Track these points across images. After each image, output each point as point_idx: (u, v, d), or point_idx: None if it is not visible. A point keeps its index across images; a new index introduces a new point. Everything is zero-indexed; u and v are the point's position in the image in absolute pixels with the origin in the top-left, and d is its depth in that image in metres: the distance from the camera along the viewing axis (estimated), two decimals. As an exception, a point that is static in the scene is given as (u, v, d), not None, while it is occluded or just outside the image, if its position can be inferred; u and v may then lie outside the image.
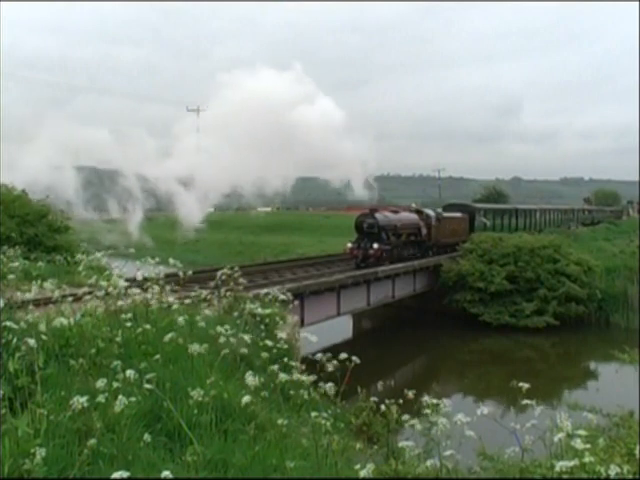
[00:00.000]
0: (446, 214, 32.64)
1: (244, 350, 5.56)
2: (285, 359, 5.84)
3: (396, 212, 27.25)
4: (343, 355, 4.48)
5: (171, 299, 6.82)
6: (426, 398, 4.08)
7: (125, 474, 2.88)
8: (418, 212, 29.49)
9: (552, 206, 62.30)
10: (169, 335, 5.23)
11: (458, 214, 34.03)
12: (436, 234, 29.80)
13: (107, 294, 6.15)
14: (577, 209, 66.90)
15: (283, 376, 4.51)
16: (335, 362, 4.58)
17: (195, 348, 4.66)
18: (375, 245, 24.07)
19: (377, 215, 24.96)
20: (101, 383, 4.08)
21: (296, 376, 4.79)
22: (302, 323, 18.42)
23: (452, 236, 31.83)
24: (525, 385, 3.95)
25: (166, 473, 3.03)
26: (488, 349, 25.91)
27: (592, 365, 24.06)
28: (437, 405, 4.12)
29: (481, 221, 36.51)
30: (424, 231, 28.61)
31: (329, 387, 4.38)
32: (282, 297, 8.48)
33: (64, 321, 5.07)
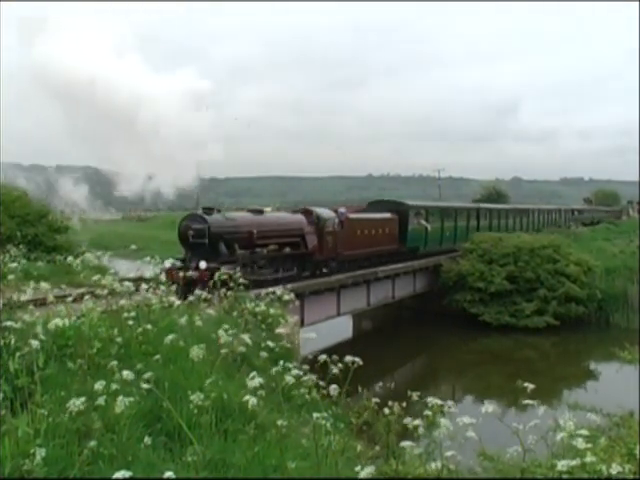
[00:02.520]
0: (357, 215, 24.43)
1: (244, 350, 5.55)
2: (285, 359, 5.83)
3: (260, 212, 18.34)
4: (349, 358, 4.46)
5: (172, 299, 6.81)
6: (429, 399, 4.07)
7: (127, 474, 2.87)
8: (305, 212, 20.42)
9: (535, 206, 54.76)
10: (170, 337, 5.23)
11: (384, 215, 25.50)
12: (337, 244, 20.88)
13: (110, 293, 6.14)
14: (566, 209, 61.09)
15: (289, 378, 4.49)
16: (340, 365, 4.56)
17: (196, 352, 4.64)
18: (202, 263, 14.15)
19: (210, 217, 15.74)
20: (99, 386, 4.06)
21: (297, 375, 4.78)
22: (302, 323, 18.40)
23: (369, 245, 23.37)
24: (530, 385, 3.95)
25: (169, 474, 3.02)
26: (488, 349, 25.89)
27: (592, 365, 24.05)
28: (440, 406, 4.12)
29: (420, 224, 27.79)
30: (312, 240, 19.48)
31: (334, 388, 4.37)
32: (286, 297, 8.47)
33: (60, 322, 5.06)
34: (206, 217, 15.58)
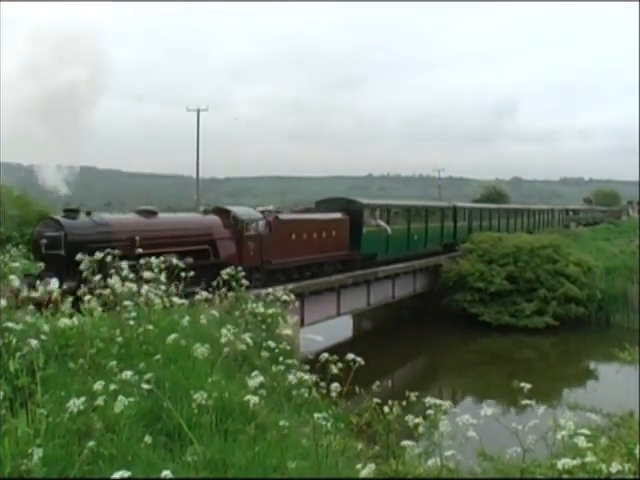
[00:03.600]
0: (290, 216, 20.79)
1: (245, 349, 5.55)
2: (286, 359, 5.84)
3: (152, 213, 14.80)
4: (350, 356, 4.46)
5: (173, 299, 6.82)
6: (429, 399, 4.07)
7: (126, 474, 2.87)
8: (220, 213, 16.88)
9: (524, 206, 50.73)
10: (172, 336, 5.23)
11: (329, 215, 21.56)
12: (263, 251, 17.14)
13: (112, 293, 6.14)
14: (560, 209, 57.38)
15: (291, 377, 4.49)
16: (340, 364, 4.56)
17: (200, 351, 4.64)
18: (53, 282, 7.04)
19: (69, 222, 12.60)
20: (98, 386, 4.06)
21: (298, 375, 4.79)
22: (302, 323, 18.42)
23: (308, 252, 19.27)
24: (527, 385, 3.95)
25: (166, 473, 3.02)
26: (488, 349, 25.90)
27: (592, 365, 24.06)
28: (440, 406, 4.12)
29: (378, 226, 23.77)
30: (226, 247, 15.89)
31: (335, 387, 4.37)
32: (285, 298, 8.47)
33: (67, 322, 5.07)
34: (63, 222, 12.37)
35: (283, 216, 19.61)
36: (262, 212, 18.64)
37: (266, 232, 17.42)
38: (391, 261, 25.44)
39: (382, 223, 23.96)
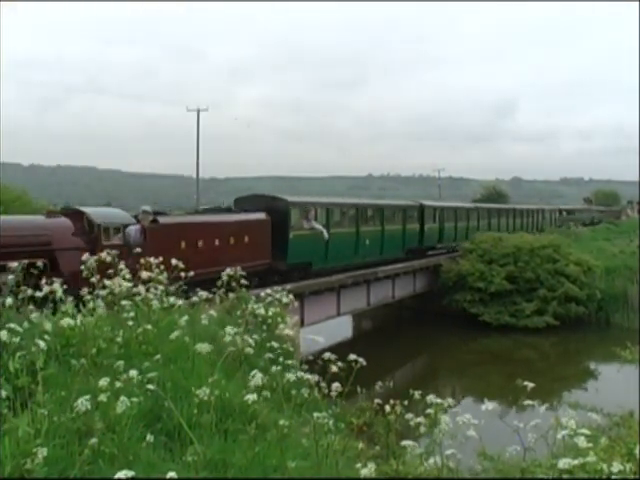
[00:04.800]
0: (178, 219, 16.09)
1: (247, 350, 5.56)
2: (286, 359, 5.84)
3: None
4: (352, 356, 4.46)
5: (173, 299, 6.81)
6: (431, 397, 4.08)
7: (130, 473, 2.88)
8: (71, 215, 13.24)
9: (506, 205, 47.02)
10: (175, 333, 5.24)
11: (243, 216, 17.28)
12: (131, 265, 7.55)
13: (110, 293, 6.15)
14: (552, 209, 54.27)
15: (290, 376, 4.50)
16: (340, 364, 4.56)
17: (204, 347, 4.65)
18: None
19: None
20: (104, 382, 4.08)
21: (299, 375, 4.79)
22: (302, 323, 18.43)
23: (209, 263, 13.23)
24: (530, 384, 3.96)
25: (172, 474, 3.03)
26: (488, 349, 25.92)
27: (592, 365, 24.07)
28: (440, 404, 4.12)
29: (313, 229, 19.52)
30: (72, 261, 10.32)
31: (336, 386, 4.37)
32: (285, 300, 8.46)
33: (70, 321, 5.08)
34: None
35: (166, 219, 14.83)
36: (138, 215, 14.16)
37: (139, 241, 12.78)
38: (335, 271, 20.70)
39: (317, 225, 19.29)
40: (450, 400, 4.09)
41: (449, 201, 41.26)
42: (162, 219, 14.60)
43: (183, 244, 14.24)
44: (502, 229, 36.63)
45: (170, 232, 14.24)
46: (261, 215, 17.61)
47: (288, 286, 13.77)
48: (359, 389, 4.97)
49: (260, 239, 17.04)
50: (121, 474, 2.87)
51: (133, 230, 13.27)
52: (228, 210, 18.07)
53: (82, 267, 6.31)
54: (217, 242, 15.08)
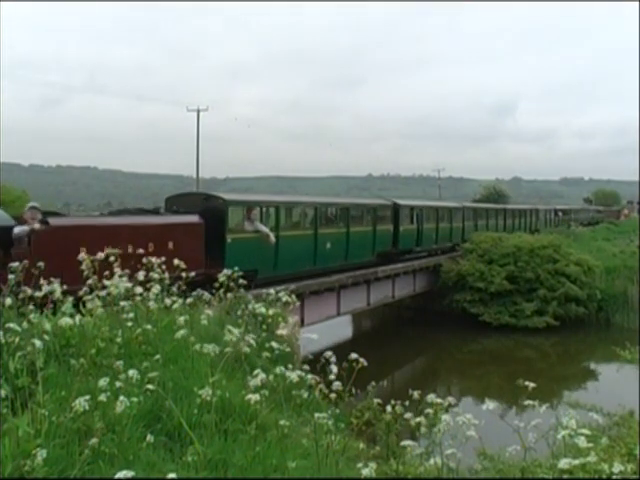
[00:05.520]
0: (78, 221, 13.57)
1: (247, 350, 5.56)
2: (286, 359, 5.84)
3: None
4: (354, 356, 4.46)
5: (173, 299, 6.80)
6: (431, 396, 4.08)
7: (130, 474, 2.88)
8: None
9: (495, 205, 43.58)
10: (180, 332, 5.24)
11: (169, 219, 14.78)
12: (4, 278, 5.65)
13: (109, 294, 6.14)
14: (547, 209, 50.89)
15: (292, 376, 4.50)
16: (339, 365, 4.57)
17: (210, 348, 4.64)
18: None
19: None
20: (103, 382, 4.09)
21: (300, 375, 4.79)
22: (302, 323, 18.42)
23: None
24: (530, 384, 3.96)
25: (172, 475, 3.04)
26: (488, 349, 25.92)
27: (592, 365, 24.07)
28: (440, 404, 4.12)
29: (258, 233, 16.50)
30: None
31: (337, 385, 4.37)
32: (286, 299, 8.45)
33: (69, 321, 5.08)
34: None
35: (59, 220, 12.17)
36: (22, 215, 11.67)
37: (22, 246, 10.78)
38: (288, 280, 16.75)
39: (263, 227, 16.53)
40: (450, 399, 4.08)
41: (431, 200, 37.45)
42: (54, 220, 11.93)
43: (84, 250, 10.58)
44: (491, 230, 34.21)
45: (64, 236, 11.59)
46: (192, 217, 15.05)
47: (292, 286, 13.71)
48: (359, 390, 4.97)
49: (190, 245, 14.18)
50: (121, 474, 2.87)
51: (20, 232, 10.89)
52: (153, 211, 15.28)
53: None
54: (129, 249, 11.20)
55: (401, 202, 26.15)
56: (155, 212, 15.27)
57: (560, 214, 53.42)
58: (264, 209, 17.69)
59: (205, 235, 14.72)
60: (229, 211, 16.01)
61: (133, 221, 13.75)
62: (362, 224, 22.85)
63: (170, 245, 13.46)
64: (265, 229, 16.65)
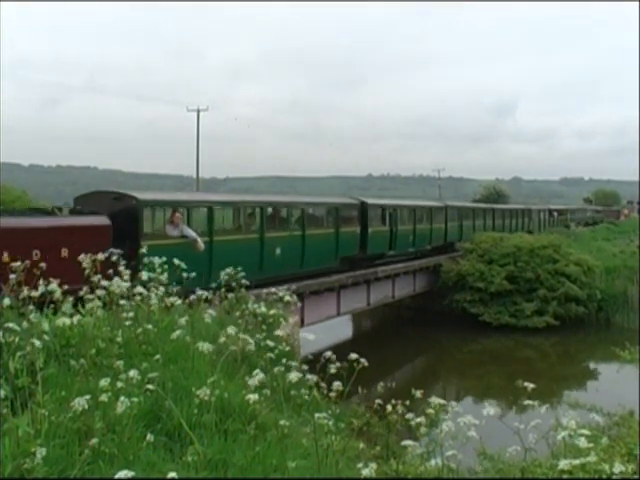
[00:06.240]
0: None
1: (252, 346, 5.55)
2: (286, 359, 5.84)
3: None
4: (354, 355, 4.46)
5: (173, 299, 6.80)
6: (433, 398, 4.07)
7: (130, 474, 2.87)
8: None
9: (483, 205, 40.99)
10: (177, 332, 5.24)
11: (73, 220, 12.46)
12: None
13: (109, 293, 6.14)
14: (541, 209, 48.30)
15: (293, 376, 4.49)
16: (338, 364, 4.56)
17: (205, 346, 4.64)
18: None
19: None
20: (104, 382, 4.08)
21: (300, 375, 4.79)
22: (302, 323, 18.43)
23: None
24: (530, 385, 3.95)
25: (173, 474, 3.03)
26: (488, 349, 25.92)
27: (592, 365, 24.08)
28: (441, 405, 4.12)
29: (183, 236, 14.02)
30: None
31: (337, 385, 4.37)
32: (287, 298, 8.44)
33: (67, 321, 5.07)
34: None
35: None
36: None
37: None
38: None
39: (190, 232, 14.07)
40: (453, 403, 4.08)
41: (405, 200, 33.32)
42: None
43: None
44: (478, 232, 32.36)
45: None
46: (96, 219, 12.53)
47: (294, 286, 13.57)
48: (360, 389, 4.97)
49: (93, 252, 9.82)
50: (122, 474, 2.87)
51: None
52: (47, 212, 13.05)
53: None
54: (5, 257, 9.60)
55: (370, 201, 23.75)
56: (49, 212, 12.95)
57: (555, 214, 51.34)
58: (192, 210, 15.03)
59: (115, 241, 11.42)
60: (144, 213, 13.52)
61: (12, 224, 11.20)
62: (322, 226, 20.45)
63: (64, 253, 10.99)
64: (193, 234, 13.98)
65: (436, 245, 29.31)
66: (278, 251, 17.34)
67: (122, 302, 6.03)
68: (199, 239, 13.99)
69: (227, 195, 21.35)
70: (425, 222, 28.08)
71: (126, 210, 13.19)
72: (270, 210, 18.18)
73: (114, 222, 12.43)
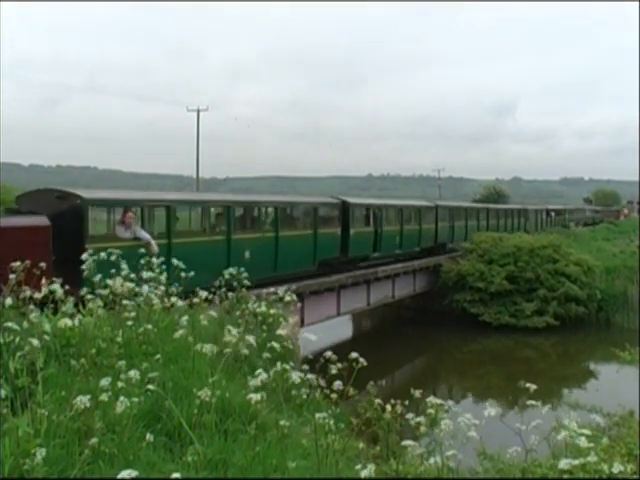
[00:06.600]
0: None
1: (247, 351, 5.56)
2: (286, 359, 5.84)
3: None
4: (354, 355, 4.46)
5: (173, 299, 6.80)
6: (431, 398, 4.07)
7: (134, 473, 2.87)
8: None
9: (476, 205, 40.02)
10: (179, 332, 5.23)
11: (4, 220, 10.75)
12: None
13: (111, 293, 6.14)
14: (538, 209, 46.75)
15: (294, 376, 4.49)
16: (340, 365, 4.56)
17: (208, 348, 4.63)
18: None
19: None
20: (105, 382, 4.08)
21: (300, 375, 4.80)
22: (302, 323, 18.43)
23: None
24: (531, 386, 3.95)
25: (176, 475, 3.03)
26: (488, 349, 25.92)
27: (592, 365, 24.08)
28: (441, 405, 4.12)
29: (136, 239, 12.53)
30: None
31: (338, 384, 4.37)
32: (288, 298, 8.44)
33: (69, 321, 5.07)
34: None
35: None
36: None
37: None
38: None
39: (144, 235, 12.73)
40: (450, 402, 4.08)
41: (384, 199, 30.98)
42: None
43: None
44: (470, 233, 31.74)
45: None
46: (33, 219, 11.46)
47: (294, 286, 13.57)
48: (359, 390, 4.97)
49: (27, 257, 7.96)
50: (124, 473, 2.87)
51: None
52: None
53: None
54: None
55: (352, 200, 22.43)
56: None
57: (553, 214, 50.16)
58: (147, 210, 13.80)
59: (57, 244, 10.92)
60: (89, 213, 12.43)
61: None
62: (298, 227, 19.33)
63: None
64: (146, 236, 12.63)
65: (426, 247, 28.47)
66: (247, 254, 15.98)
67: (125, 302, 6.02)
68: (153, 242, 12.55)
69: (190, 194, 19.52)
70: (413, 222, 27.09)
71: (70, 210, 12.15)
72: (240, 210, 17.11)
73: (56, 223, 11.43)
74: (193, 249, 14.01)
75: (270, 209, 18.11)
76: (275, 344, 5.73)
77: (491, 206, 40.30)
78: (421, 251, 28.20)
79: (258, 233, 17.05)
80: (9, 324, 4.52)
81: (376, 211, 23.73)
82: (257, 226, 17.37)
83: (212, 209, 16.21)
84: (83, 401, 3.71)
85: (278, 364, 4.70)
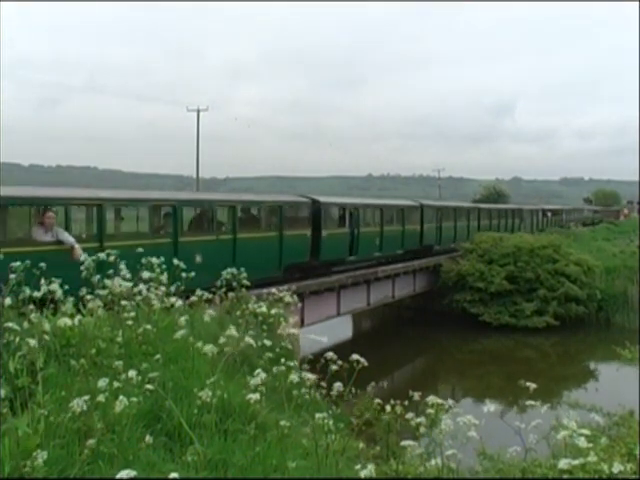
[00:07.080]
0: None
1: (246, 350, 5.56)
2: (286, 359, 5.84)
3: None
4: (355, 356, 4.46)
5: (173, 299, 6.80)
6: (431, 397, 4.07)
7: (132, 473, 2.87)
8: None
9: (466, 204, 38.22)
10: (180, 332, 5.23)
11: None
12: None
13: (110, 293, 6.14)
14: (534, 209, 45.61)
15: (294, 377, 4.49)
16: (340, 363, 4.56)
17: (209, 349, 4.63)
18: None
19: None
20: (103, 383, 4.08)
21: (300, 375, 4.80)
22: (302, 323, 18.43)
23: None
24: (532, 385, 3.95)
25: (174, 475, 3.03)
26: (488, 349, 25.92)
27: (592, 365, 24.08)
28: (441, 405, 4.12)
29: (58, 242, 10.83)
30: None
31: (338, 386, 4.37)
32: (288, 299, 8.43)
33: (68, 321, 5.07)
34: None
35: None
36: None
37: None
38: None
39: (67, 237, 11.09)
40: (450, 402, 4.08)
41: (363, 199, 29.30)
42: None
43: None
44: (460, 234, 30.81)
45: None
46: None
47: (294, 286, 13.55)
48: (359, 390, 4.97)
49: None
50: (123, 473, 2.87)
51: None
52: None
53: None
54: None
55: (324, 199, 20.73)
56: None
57: (549, 215, 48.58)
58: (73, 210, 12.22)
59: None
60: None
61: None
62: (260, 228, 17.66)
63: None
64: (70, 239, 11.03)
65: (410, 249, 26.65)
66: (198, 258, 14.20)
67: (124, 302, 6.03)
68: (77, 245, 10.92)
69: (128, 192, 16.81)
70: (396, 223, 25.34)
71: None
72: (191, 210, 15.74)
73: None
74: (130, 253, 11.04)
75: (227, 209, 16.57)
76: (275, 344, 5.74)
77: (483, 206, 39.07)
78: (405, 253, 26.37)
79: (212, 235, 15.49)
80: (9, 324, 4.52)
81: (352, 211, 22.07)
82: (211, 228, 15.72)
83: (158, 209, 14.59)
84: (79, 404, 3.70)
85: (281, 362, 4.70)
